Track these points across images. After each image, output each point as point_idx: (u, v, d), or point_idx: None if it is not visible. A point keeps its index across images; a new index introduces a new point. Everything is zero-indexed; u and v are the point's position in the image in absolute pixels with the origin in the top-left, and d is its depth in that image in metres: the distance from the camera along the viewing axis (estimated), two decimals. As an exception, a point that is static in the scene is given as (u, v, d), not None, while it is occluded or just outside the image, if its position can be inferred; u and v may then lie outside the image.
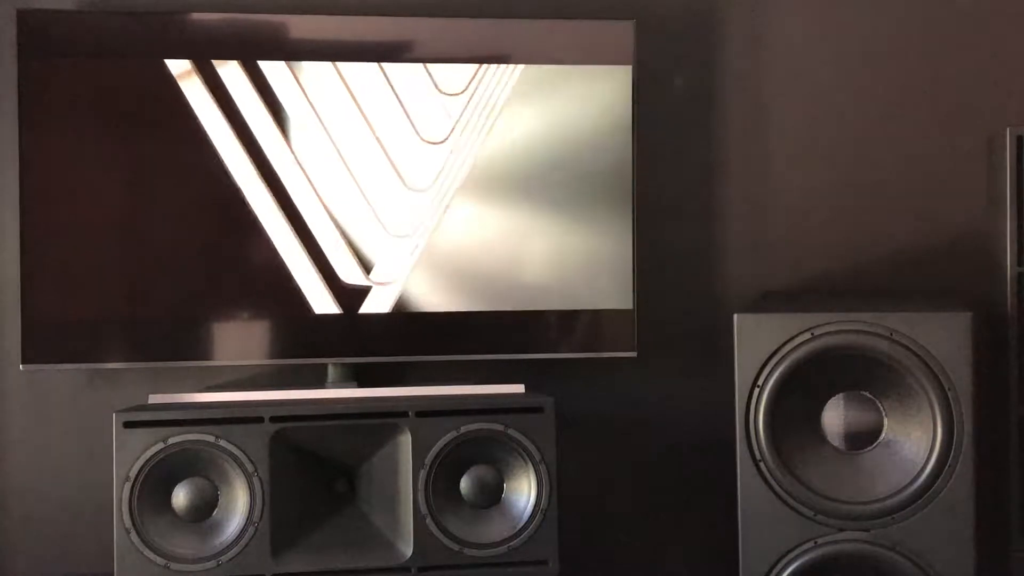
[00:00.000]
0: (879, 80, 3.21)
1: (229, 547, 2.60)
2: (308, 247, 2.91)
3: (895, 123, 3.21)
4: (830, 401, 2.66)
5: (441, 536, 2.64)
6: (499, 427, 2.66)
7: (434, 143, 2.96)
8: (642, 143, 3.05)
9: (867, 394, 2.65)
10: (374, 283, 2.92)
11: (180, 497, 2.61)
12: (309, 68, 2.91)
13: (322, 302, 2.91)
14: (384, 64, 2.94)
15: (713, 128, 3.18)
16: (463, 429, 2.65)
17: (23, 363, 2.85)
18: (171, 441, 2.59)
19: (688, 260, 3.18)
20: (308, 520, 2.67)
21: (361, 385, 2.93)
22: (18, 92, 2.84)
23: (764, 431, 2.61)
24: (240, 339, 2.93)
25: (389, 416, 2.66)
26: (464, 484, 2.68)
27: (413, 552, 2.64)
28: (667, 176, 3.16)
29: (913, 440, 2.62)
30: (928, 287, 3.16)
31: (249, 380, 3.02)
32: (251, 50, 2.90)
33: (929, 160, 3.21)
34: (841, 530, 2.62)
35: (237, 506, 2.61)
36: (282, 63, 2.90)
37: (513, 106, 2.97)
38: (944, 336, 2.59)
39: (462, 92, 2.96)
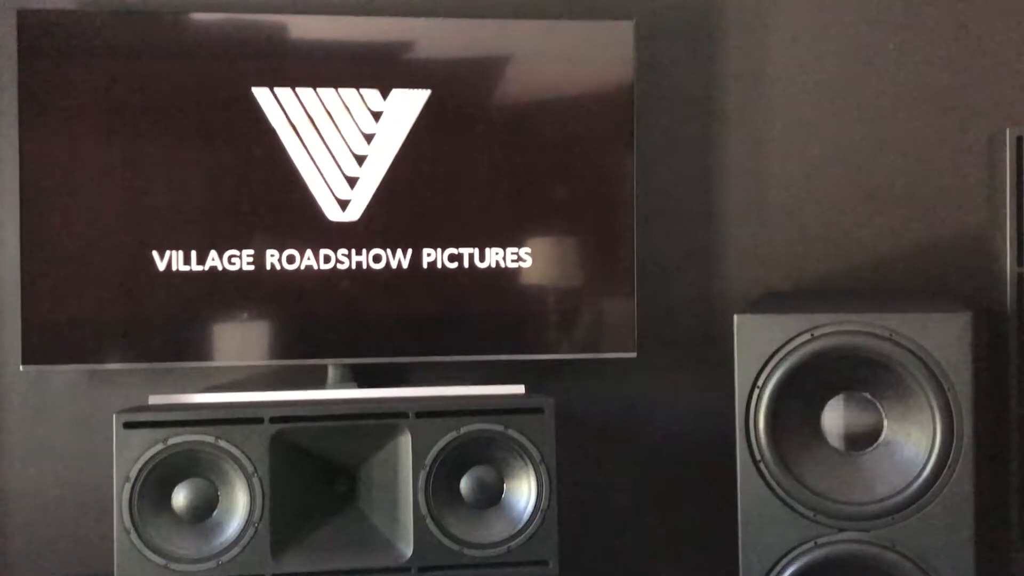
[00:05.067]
0: (879, 80, 3.21)
1: (229, 547, 2.60)
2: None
3: (895, 123, 3.21)
4: (830, 402, 2.65)
5: (441, 536, 2.64)
6: (499, 428, 2.66)
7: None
8: (642, 142, 3.05)
9: (867, 395, 2.65)
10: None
11: (180, 498, 2.61)
12: (314, 66, 2.92)
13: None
14: (380, 65, 2.94)
15: (713, 128, 3.18)
16: (463, 430, 2.65)
17: (23, 363, 2.85)
18: (171, 442, 2.59)
19: (688, 260, 3.18)
20: (308, 520, 2.67)
21: (361, 386, 2.93)
22: (18, 92, 2.84)
23: (764, 431, 2.61)
24: (240, 339, 2.93)
25: (389, 417, 2.66)
26: (464, 485, 2.68)
27: (413, 552, 2.64)
28: (667, 176, 3.16)
29: (913, 441, 2.62)
30: (928, 287, 3.16)
31: (249, 381, 3.02)
32: (252, 49, 2.90)
33: (929, 160, 3.21)
34: (841, 530, 2.62)
35: (237, 507, 2.61)
36: (287, 61, 2.90)
37: (512, 106, 2.97)
38: (944, 336, 2.59)
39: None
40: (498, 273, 2.97)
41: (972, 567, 2.60)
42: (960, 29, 3.22)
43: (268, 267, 2.91)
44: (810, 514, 2.62)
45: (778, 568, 2.62)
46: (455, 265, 2.96)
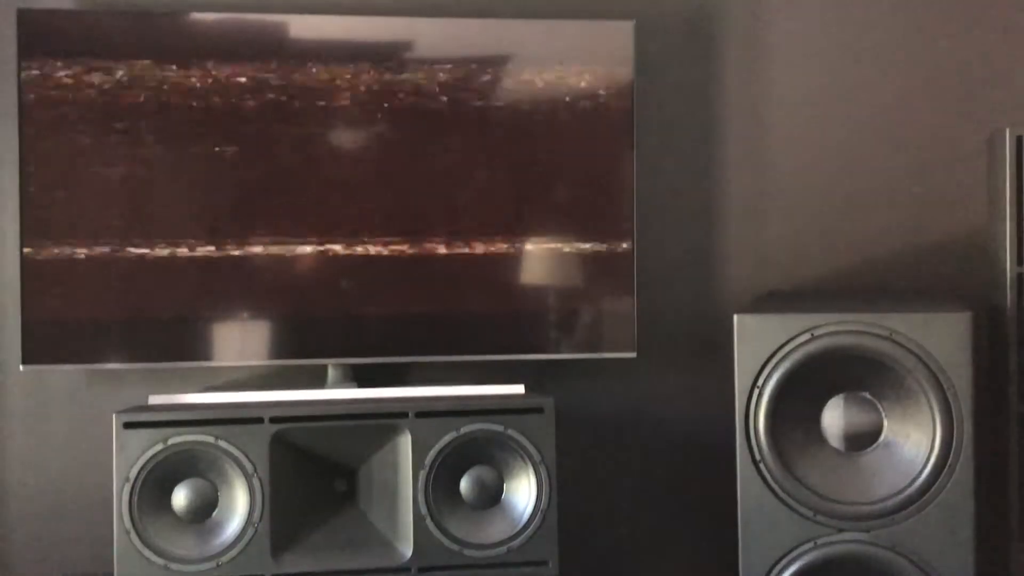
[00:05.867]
0: (879, 80, 3.21)
1: (229, 548, 2.60)
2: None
3: (895, 123, 3.21)
4: (830, 402, 2.65)
5: (441, 537, 2.64)
6: (499, 427, 2.66)
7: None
8: (642, 143, 3.05)
9: (867, 395, 2.65)
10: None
11: (180, 498, 2.61)
12: (313, 66, 2.92)
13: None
14: (380, 64, 2.94)
15: (713, 128, 3.18)
16: (463, 430, 2.65)
17: (23, 363, 2.85)
18: (171, 442, 2.59)
19: (688, 260, 3.18)
20: (308, 521, 2.67)
21: (361, 386, 2.93)
22: (18, 92, 2.84)
23: (764, 431, 2.61)
24: (240, 339, 2.93)
25: (389, 417, 2.66)
26: (464, 485, 2.68)
27: (413, 552, 2.64)
28: (667, 176, 3.16)
29: (913, 441, 2.62)
30: (928, 287, 3.16)
31: (249, 381, 3.02)
32: (252, 49, 2.90)
33: (929, 160, 3.21)
34: (841, 531, 2.62)
35: (237, 507, 2.61)
36: (287, 61, 2.90)
37: (512, 106, 2.97)
38: (944, 336, 2.59)
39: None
40: (498, 272, 2.97)
41: (972, 567, 2.60)
42: (960, 29, 3.22)
43: (268, 267, 2.91)
44: (810, 514, 2.61)
45: (778, 568, 2.62)
46: (455, 265, 2.96)
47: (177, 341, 2.89)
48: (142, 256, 2.88)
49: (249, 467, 2.60)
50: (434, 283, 2.95)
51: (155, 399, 2.81)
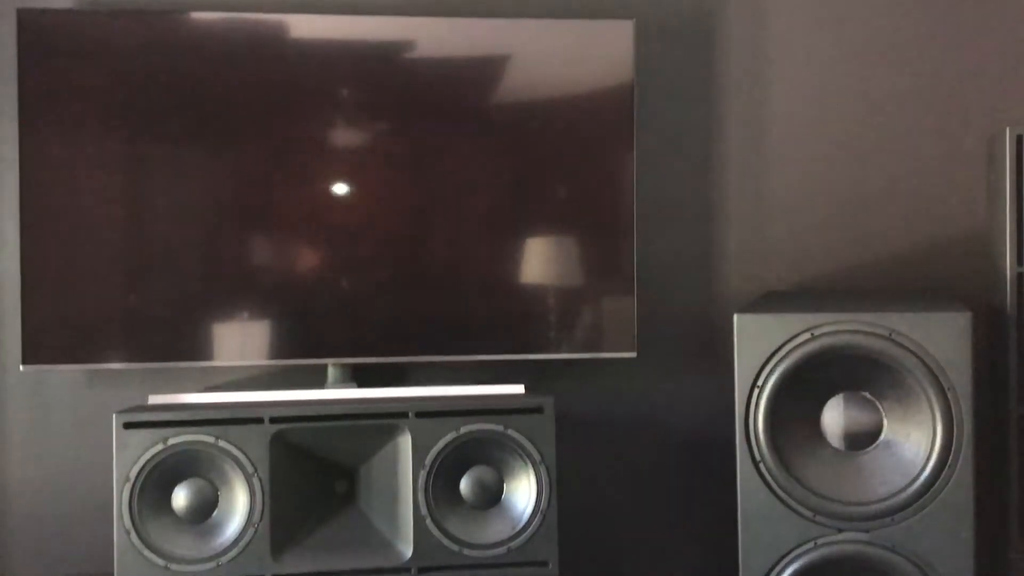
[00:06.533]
0: (879, 80, 3.21)
1: (229, 548, 2.60)
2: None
3: (895, 123, 3.21)
4: (830, 401, 2.65)
5: (441, 537, 2.64)
6: (499, 428, 2.66)
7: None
8: (642, 142, 3.05)
9: (867, 394, 2.65)
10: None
11: (180, 498, 2.61)
12: (314, 66, 2.92)
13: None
14: (379, 64, 2.94)
15: (713, 128, 3.18)
16: (463, 430, 2.65)
17: (23, 363, 2.85)
18: (171, 442, 2.59)
19: (688, 260, 3.18)
20: (308, 521, 2.68)
21: (361, 385, 2.93)
22: (18, 92, 2.84)
23: (764, 431, 2.61)
24: (240, 339, 2.93)
25: (389, 417, 2.66)
26: (464, 485, 2.68)
27: (413, 553, 2.65)
28: (667, 176, 3.16)
29: (913, 441, 2.62)
30: (928, 287, 3.16)
31: (249, 381, 3.02)
32: (251, 49, 2.90)
33: (929, 160, 3.21)
34: (841, 531, 2.62)
35: (237, 507, 2.61)
36: (286, 61, 2.90)
37: (512, 106, 2.97)
38: (944, 336, 2.59)
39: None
40: (498, 272, 2.97)
41: (972, 567, 2.60)
42: (960, 29, 3.22)
43: (268, 266, 2.91)
44: (810, 514, 2.62)
45: (778, 568, 2.62)
46: (455, 264, 2.96)
47: (177, 341, 2.89)
48: (142, 256, 2.88)
49: (249, 467, 2.60)
50: (434, 283, 2.95)
51: (155, 399, 2.81)
